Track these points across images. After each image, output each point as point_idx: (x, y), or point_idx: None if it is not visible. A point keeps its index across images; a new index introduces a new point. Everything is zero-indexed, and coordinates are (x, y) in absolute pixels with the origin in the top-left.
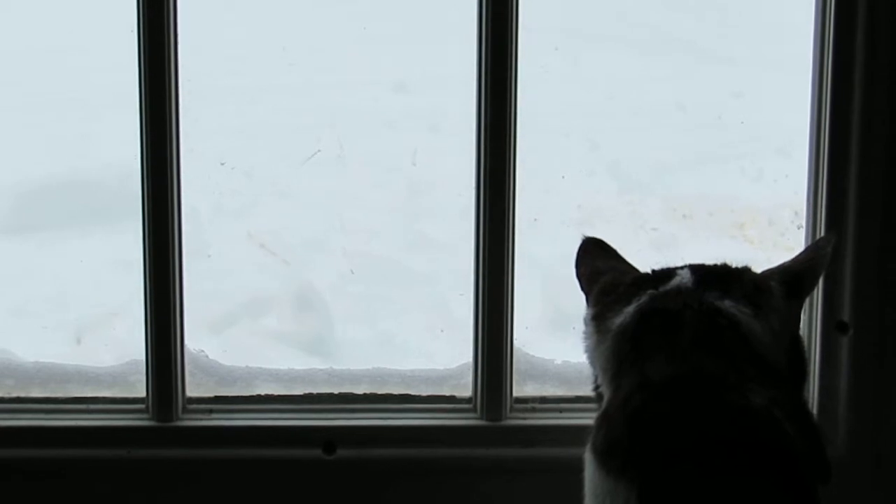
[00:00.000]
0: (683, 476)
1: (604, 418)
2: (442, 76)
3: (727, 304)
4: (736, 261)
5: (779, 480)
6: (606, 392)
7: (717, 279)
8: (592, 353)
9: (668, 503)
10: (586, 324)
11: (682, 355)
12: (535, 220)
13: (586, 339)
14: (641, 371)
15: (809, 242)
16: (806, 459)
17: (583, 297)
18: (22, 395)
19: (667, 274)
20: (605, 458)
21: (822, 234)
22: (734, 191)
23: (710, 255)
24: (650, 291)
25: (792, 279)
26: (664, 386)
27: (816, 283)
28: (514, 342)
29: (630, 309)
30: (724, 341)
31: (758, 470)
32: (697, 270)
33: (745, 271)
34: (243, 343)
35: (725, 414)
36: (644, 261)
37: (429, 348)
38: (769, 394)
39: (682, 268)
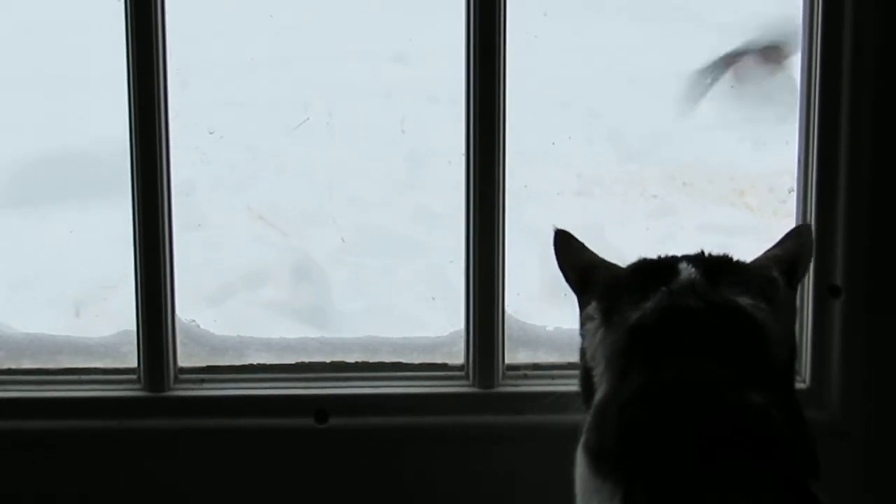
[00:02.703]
0: (668, 477)
1: (598, 420)
2: (440, 45)
3: (746, 301)
4: (732, 228)
5: (766, 478)
6: (603, 384)
7: (724, 272)
8: (598, 344)
9: (651, 502)
10: (590, 317)
11: (694, 356)
12: (526, 186)
13: (591, 332)
14: (649, 372)
15: (800, 206)
16: (796, 456)
17: (568, 286)
18: (13, 366)
19: (669, 266)
20: (595, 461)
21: (814, 197)
22: (734, 158)
23: (709, 223)
24: (663, 288)
25: (788, 268)
26: (664, 391)
27: (806, 273)
28: (507, 309)
29: (649, 305)
30: (741, 340)
31: (745, 468)
32: (695, 262)
33: (740, 262)
34: (241, 314)
35: (715, 416)
36: (644, 228)
37: (425, 317)
38: (768, 394)
39: (676, 259)
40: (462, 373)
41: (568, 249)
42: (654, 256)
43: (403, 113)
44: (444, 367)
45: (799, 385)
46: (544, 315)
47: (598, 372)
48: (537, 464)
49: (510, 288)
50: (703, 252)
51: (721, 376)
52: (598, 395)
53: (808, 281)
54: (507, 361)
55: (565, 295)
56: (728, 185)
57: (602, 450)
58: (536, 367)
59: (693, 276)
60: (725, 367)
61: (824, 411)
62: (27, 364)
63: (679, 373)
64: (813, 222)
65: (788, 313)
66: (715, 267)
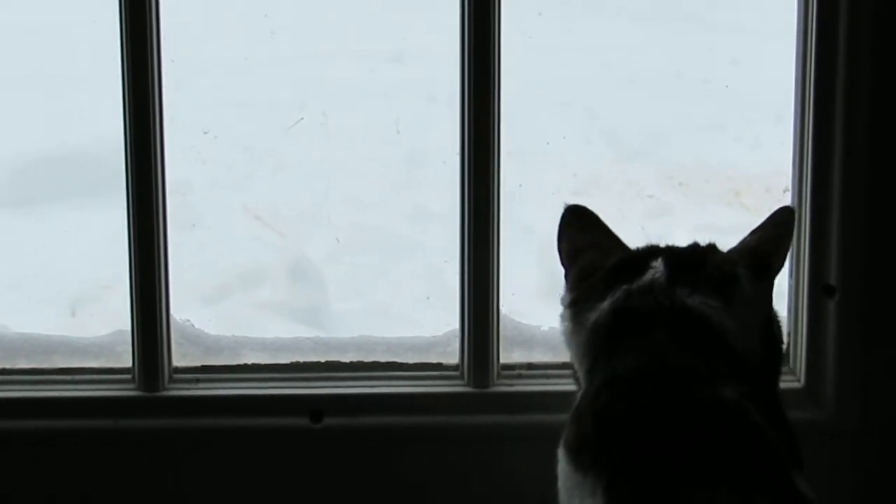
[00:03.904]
0: (649, 467)
1: (575, 415)
2: (435, 45)
3: (697, 300)
4: (728, 227)
5: (748, 467)
6: (582, 382)
7: (687, 271)
8: (568, 339)
9: (634, 493)
10: (564, 307)
11: (653, 353)
12: (521, 185)
13: (563, 322)
14: (612, 368)
15: (796, 207)
16: (778, 447)
17: (562, 270)
18: (8, 366)
19: (642, 263)
20: (575, 454)
21: (809, 196)
22: (731, 158)
23: (705, 223)
24: (624, 287)
25: (759, 262)
26: (633, 381)
27: (784, 261)
28: (501, 309)
29: (605, 306)
30: (695, 339)
31: (727, 457)
32: (670, 259)
33: (710, 256)
34: (237, 314)
35: (693, 406)
36: (640, 228)
37: (420, 316)
38: (739, 388)
39: (656, 252)
40: (457, 372)
41: (565, 232)
42: (645, 247)
43: (399, 113)
44: (438, 366)
45: (794, 384)
46: (539, 315)
47: (575, 365)
48: (532, 463)
49: (505, 287)
50: (696, 243)
51: (686, 371)
52: (581, 387)
53: (803, 281)
54: (501, 361)
55: (560, 294)
56: (724, 185)
57: (581, 442)
58: (531, 366)
59: (656, 275)
60: (689, 362)
61: (819, 410)
62: (22, 364)
63: (644, 365)
64: (807, 222)
65: (757, 307)
66: (681, 265)
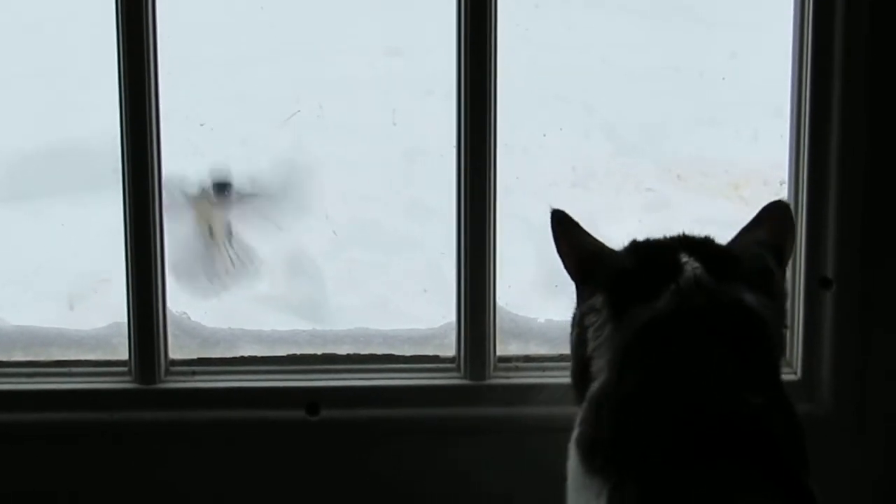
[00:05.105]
0: (664, 475)
1: (591, 414)
2: (433, 37)
3: (753, 300)
4: (726, 220)
5: (762, 480)
6: (601, 376)
7: (724, 265)
8: (605, 340)
9: (639, 499)
10: (595, 310)
11: (700, 356)
12: (518, 178)
13: (596, 326)
14: (654, 369)
15: (792, 198)
16: (791, 453)
17: (566, 272)
18: (4, 358)
19: (671, 259)
20: (587, 454)
21: (805, 189)
22: (729, 152)
23: (704, 216)
24: (672, 286)
25: (776, 255)
26: (667, 389)
27: (791, 255)
28: (498, 301)
29: (660, 305)
30: (747, 341)
31: (748, 469)
32: (698, 253)
33: (737, 249)
34: (233, 308)
35: (717, 415)
36: (639, 221)
37: (417, 309)
38: (766, 391)
39: (674, 248)
40: (453, 365)
41: (567, 233)
42: (650, 241)
43: (395, 106)
44: (435, 359)
45: (790, 377)
46: (535, 307)
47: (598, 365)
48: (528, 456)
49: (501, 280)
50: (684, 235)
51: (725, 377)
52: (594, 386)
53: (800, 274)
54: (498, 353)
55: (556, 287)
56: (723, 179)
57: (595, 444)
58: (528, 359)
59: (697, 271)
60: (730, 367)
61: (815, 404)
62: (18, 356)
63: (684, 372)
64: (804, 215)
65: (783, 301)
66: (714, 259)
